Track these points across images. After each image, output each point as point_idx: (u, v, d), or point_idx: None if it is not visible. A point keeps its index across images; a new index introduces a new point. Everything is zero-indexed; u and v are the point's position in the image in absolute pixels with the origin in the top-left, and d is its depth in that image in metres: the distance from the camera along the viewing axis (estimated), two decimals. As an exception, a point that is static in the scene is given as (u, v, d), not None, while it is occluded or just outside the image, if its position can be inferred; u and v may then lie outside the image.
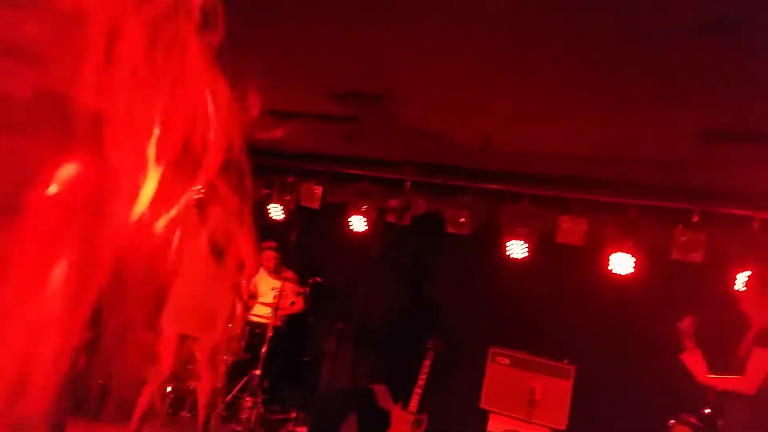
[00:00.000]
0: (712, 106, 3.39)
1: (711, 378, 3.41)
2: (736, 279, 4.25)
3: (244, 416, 4.91)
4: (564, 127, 4.16)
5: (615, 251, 4.71)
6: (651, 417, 4.38)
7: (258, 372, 5.00)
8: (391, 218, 5.50)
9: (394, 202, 5.53)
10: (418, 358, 5.10)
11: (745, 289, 3.54)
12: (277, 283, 5.44)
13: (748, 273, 3.98)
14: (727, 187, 4.33)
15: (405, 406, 4.91)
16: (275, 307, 5.14)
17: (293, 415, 5.34)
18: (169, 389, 4.98)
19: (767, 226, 4.24)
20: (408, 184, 5.54)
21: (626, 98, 3.54)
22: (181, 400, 5.04)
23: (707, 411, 3.85)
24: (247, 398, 5.03)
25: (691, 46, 2.83)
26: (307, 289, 5.55)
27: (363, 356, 5.81)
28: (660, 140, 3.97)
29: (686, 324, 3.52)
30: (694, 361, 3.42)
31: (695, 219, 4.44)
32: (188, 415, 4.90)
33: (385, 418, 4.99)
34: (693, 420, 4.07)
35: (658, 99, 3.46)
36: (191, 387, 4.96)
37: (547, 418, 4.77)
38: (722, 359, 3.43)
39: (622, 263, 4.68)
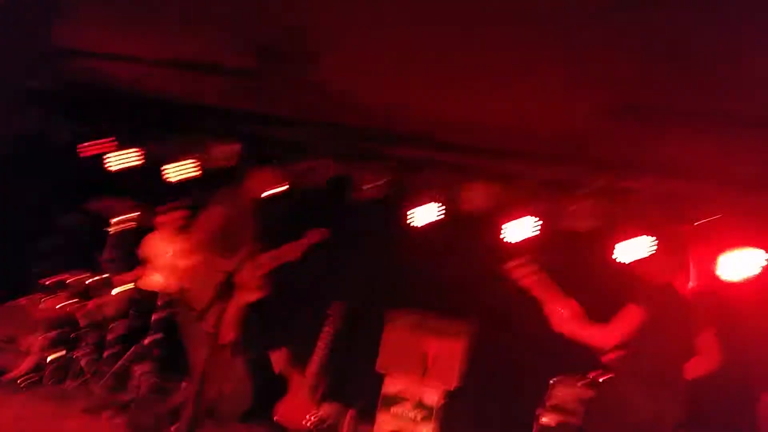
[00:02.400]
0: (612, 82, 3.58)
1: (575, 325, 3.04)
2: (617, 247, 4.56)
3: (134, 384, 4.75)
4: (471, 97, 4.28)
5: (514, 218, 4.94)
6: (541, 377, 4.67)
7: (149, 339, 4.84)
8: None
9: (303, 165, 5.47)
10: (319, 324, 5.13)
11: (647, 253, 3.44)
12: (172, 248, 5.22)
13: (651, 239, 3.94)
14: (621, 159, 4.62)
15: (302, 371, 4.95)
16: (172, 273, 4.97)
17: (184, 383, 5.20)
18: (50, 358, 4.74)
19: (651, 196, 4.57)
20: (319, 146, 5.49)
21: (531, 71, 3.69)
22: (65, 369, 4.82)
23: (591, 375, 4.03)
24: (136, 367, 4.86)
25: (595, 22, 2.97)
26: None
27: (264, 322, 5.74)
28: (558, 114, 4.18)
29: (516, 263, 3.16)
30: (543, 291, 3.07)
31: (589, 189, 4.73)
32: (73, 385, 4.69)
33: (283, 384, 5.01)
34: (578, 379, 4.35)
35: (561, 73, 3.63)
36: (75, 355, 4.75)
37: (441, 378, 4.95)
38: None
39: (519, 230, 4.91)
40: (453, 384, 4.95)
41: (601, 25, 2.94)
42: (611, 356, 3.37)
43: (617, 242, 4.62)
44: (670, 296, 3.10)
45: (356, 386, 5.30)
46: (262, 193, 3.68)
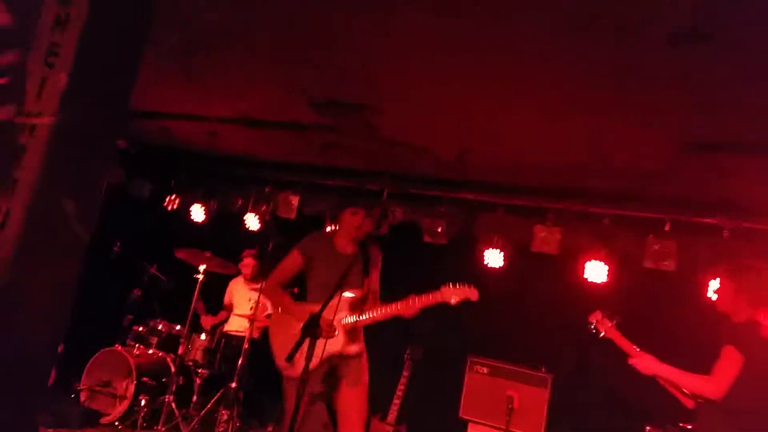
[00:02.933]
0: (684, 118, 3.48)
1: (663, 368, 3.04)
2: (708, 286, 4.34)
3: (220, 430, 4.84)
4: (539, 139, 4.23)
5: (589, 259, 4.79)
6: (627, 425, 4.45)
7: (234, 385, 4.94)
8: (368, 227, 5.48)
9: (371, 211, 5.51)
10: (396, 369, 5.09)
11: (717, 295, 3.39)
12: (255, 294, 5.41)
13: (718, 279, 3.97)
14: (697, 196, 4.44)
15: (383, 418, 4.89)
16: (252, 319, 5.09)
17: (270, 429, 5.28)
18: (143, 402, 4.90)
19: (735, 234, 4.35)
20: (385, 193, 5.55)
21: (599, 109, 3.62)
22: (157, 413, 4.96)
23: (688, 426, 3.79)
24: (223, 411, 4.96)
25: (662, 56, 2.90)
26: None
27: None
28: (632, 151, 4.06)
29: (596, 317, 3.35)
30: (640, 362, 3.12)
31: (667, 228, 4.54)
32: (163, 429, 4.81)
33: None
34: (670, 428, 4.10)
35: (631, 111, 3.55)
36: (166, 400, 4.88)
37: (525, 427, 4.80)
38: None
39: (595, 271, 4.76)
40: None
41: (675, 55, 2.86)
42: (697, 402, 3.17)
43: (703, 281, 4.39)
44: (756, 334, 2.95)
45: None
46: (356, 236, 3.48)
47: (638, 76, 3.14)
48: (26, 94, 1.73)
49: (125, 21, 1.85)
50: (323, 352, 3.18)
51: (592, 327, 3.37)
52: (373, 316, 3.29)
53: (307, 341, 3.07)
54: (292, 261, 3.52)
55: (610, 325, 3.31)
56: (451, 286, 3.22)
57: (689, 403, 3.16)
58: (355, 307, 3.35)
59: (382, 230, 4.75)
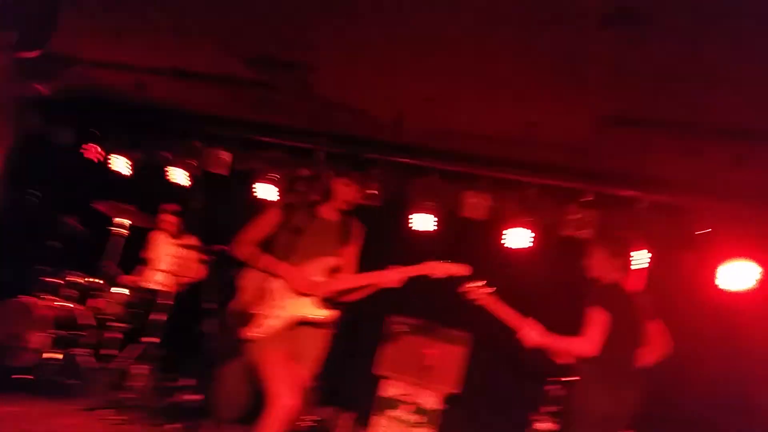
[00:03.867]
0: (609, 94, 3.63)
1: (548, 339, 3.33)
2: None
3: (136, 384, 4.77)
4: (472, 108, 4.31)
5: (513, 226, 4.97)
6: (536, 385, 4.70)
7: (151, 340, 4.85)
8: (300, 187, 5.46)
9: (304, 172, 5.50)
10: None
11: (590, 262, 3.52)
12: (176, 249, 5.28)
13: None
14: (618, 169, 4.66)
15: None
16: (175, 274, 5.00)
17: (188, 383, 5.23)
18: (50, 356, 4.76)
19: (652, 207, 4.61)
20: (321, 154, 5.52)
21: (529, 83, 3.73)
22: (65, 367, 4.84)
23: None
24: (139, 366, 4.88)
25: (592, 36, 3.01)
26: (212, 257, 5.40)
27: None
28: (560, 124, 4.21)
29: (470, 287, 3.50)
30: (526, 334, 3.35)
31: (590, 198, 4.77)
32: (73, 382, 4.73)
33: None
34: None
35: (560, 85, 3.67)
36: (74, 354, 4.78)
37: (440, 382, 4.99)
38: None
39: (519, 237, 4.95)
40: (451, 389, 4.98)
41: (605, 37, 2.97)
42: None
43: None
44: (619, 295, 3.36)
45: (353, 389, 5.32)
46: (345, 207, 3.37)
47: (566, 53, 3.25)
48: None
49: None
50: (290, 314, 3.16)
51: (468, 295, 3.53)
52: (348, 283, 3.25)
53: (273, 300, 3.12)
54: (269, 220, 3.33)
55: (481, 292, 3.51)
56: (437, 261, 3.18)
57: (569, 360, 3.48)
58: (332, 274, 3.28)
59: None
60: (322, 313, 3.22)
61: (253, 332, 3.16)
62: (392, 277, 3.14)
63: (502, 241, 5.00)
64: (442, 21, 3.23)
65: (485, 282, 3.52)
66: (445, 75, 3.92)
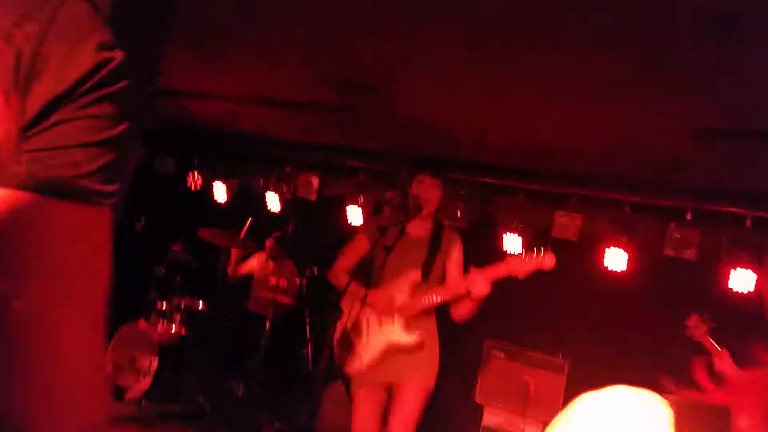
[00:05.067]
0: (707, 104, 3.42)
1: (743, 373, 3.17)
2: (729, 276, 4.28)
3: (240, 403, 4.95)
4: (561, 123, 4.19)
5: (609, 246, 4.75)
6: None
7: (254, 362, 5.05)
8: (387, 210, 5.51)
9: (390, 194, 5.55)
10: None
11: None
12: (274, 273, 5.48)
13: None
14: (720, 185, 4.37)
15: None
16: (274, 298, 5.18)
17: (291, 404, 5.38)
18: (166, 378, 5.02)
19: (757, 223, 4.28)
20: (404, 175, 5.54)
21: (623, 95, 3.57)
22: (178, 388, 5.08)
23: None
24: (241, 387, 5.08)
25: (687, 43, 2.85)
26: (305, 280, 5.56)
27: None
28: (655, 138, 4.01)
29: (693, 321, 3.40)
30: (725, 366, 3.22)
31: (689, 216, 4.49)
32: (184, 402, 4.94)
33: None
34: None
35: (655, 96, 3.49)
36: (186, 376, 5.00)
37: (541, 412, 4.81)
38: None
39: (615, 259, 4.72)
40: (554, 418, 4.79)
41: (700, 44, 2.81)
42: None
43: (724, 270, 4.32)
44: None
45: (454, 416, 5.24)
46: (432, 209, 3.18)
47: (661, 62, 3.09)
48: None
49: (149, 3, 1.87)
50: (381, 343, 3.01)
51: (689, 331, 3.42)
52: (431, 299, 3.03)
53: (367, 330, 3.04)
54: (357, 246, 3.27)
55: (703, 327, 3.38)
56: (518, 256, 2.96)
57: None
58: (419, 291, 3.08)
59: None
60: (409, 338, 3.02)
61: (349, 367, 3.09)
62: (477, 281, 2.90)
63: (602, 263, 4.78)
64: (523, 36, 3.17)
65: (708, 316, 3.40)
66: (528, 92, 3.85)
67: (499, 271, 2.93)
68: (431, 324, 3.13)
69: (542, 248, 2.93)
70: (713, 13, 2.57)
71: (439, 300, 3.03)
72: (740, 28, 2.63)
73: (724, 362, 3.23)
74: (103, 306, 0.62)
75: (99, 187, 0.60)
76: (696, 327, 3.39)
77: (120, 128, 0.62)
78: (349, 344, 3.11)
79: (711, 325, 3.37)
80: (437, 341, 3.13)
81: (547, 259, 2.90)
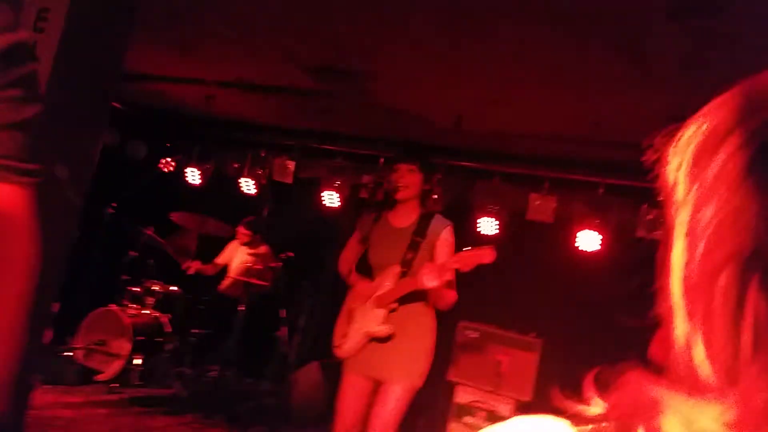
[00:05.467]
0: (681, 89, 3.46)
1: None
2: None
3: (215, 387, 4.95)
4: (535, 107, 4.22)
5: (582, 228, 4.82)
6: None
7: (229, 344, 5.03)
8: (363, 194, 5.51)
9: (367, 178, 5.55)
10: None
11: None
12: (250, 257, 5.46)
13: None
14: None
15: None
16: (248, 281, 5.16)
17: (265, 387, 5.40)
18: (139, 361, 4.99)
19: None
20: (381, 160, 5.55)
21: (596, 79, 3.60)
22: (150, 372, 5.06)
23: None
24: (217, 370, 5.07)
25: (660, 29, 2.88)
26: (280, 264, 5.56)
27: (332, 331, 5.87)
28: (629, 121, 4.05)
29: None
30: None
31: (662, 198, 4.56)
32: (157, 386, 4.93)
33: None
34: None
35: (627, 81, 3.52)
36: (159, 359, 4.98)
37: (513, 390, 4.89)
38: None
39: (588, 240, 4.79)
40: (526, 396, 4.88)
41: (672, 30, 2.84)
42: None
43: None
44: None
45: (427, 394, 5.30)
46: (414, 196, 3.11)
47: (634, 48, 3.12)
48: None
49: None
50: (359, 332, 3.01)
51: None
52: (391, 289, 2.98)
53: (348, 321, 3.04)
54: (352, 242, 3.24)
55: None
56: (464, 250, 2.89)
57: None
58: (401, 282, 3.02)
59: (377, 197, 4.63)
60: (380, 328, 2.98)
61: (337, 351, 3.10)
62: (427, 275, 2.82)
63: (575, 244, 4.85)
64: (498, 21, 3.17)
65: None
66: (504, 76, 3.86)
67: (446, 266, 2.89)
68: (425, 317, 3.06)
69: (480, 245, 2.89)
70: (686, 2, 2.60)
71: (394, 291, 2.98)
72: (712, 17, 2.66)
73: None
74: (24, 290, 0.60)
75: (17, 165, 0.60)
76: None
77: (33, 110, 0.62)
78: (341, 333, 3.12)
79: None
80: (431, 336, 3.07)
81: (486, 253, 2.83)
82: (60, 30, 1.66)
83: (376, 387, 3.01)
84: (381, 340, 3.00)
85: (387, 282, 3.01)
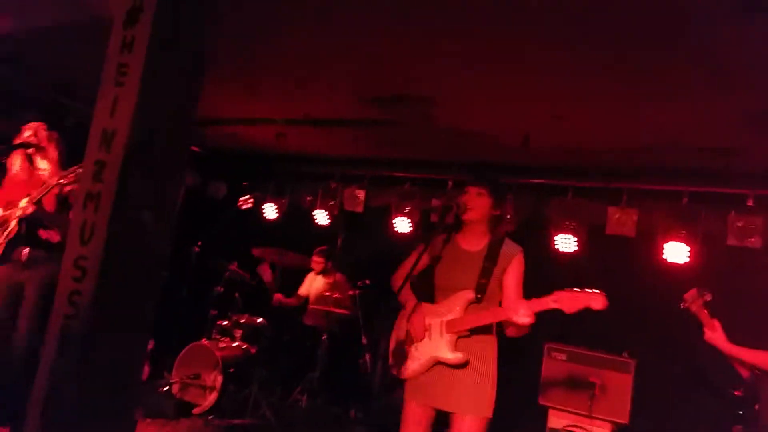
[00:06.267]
0: (759, 88, 3.28)
1: (738, 349, 3.27)
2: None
3: (304, 416, 5.03)
4: (606, 120, 4.10)
5: (669, 240, 4.61)
6: (714, 407, 4.27)
7: (315, 373, 5.12)
8: (433, 218, 5.52)
9: (436, 202, 5.56)
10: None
11: None
12: (327, 286, 5.59)
13: None
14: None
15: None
16: (327, 311, 5.25)
17: (351, 414, 5.43)
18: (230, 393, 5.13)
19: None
20: (450, 183, 5.55)
21: (668, 84, 3.46)
22: (243, 403, 5.19)
23: (737, 393, 3.78)
24: (305, 399, 5.15)
25: (734, 27, 2.75)
26: (357, 291, 5.63)
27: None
28: (707, 125, 3.87)
29: (691, 295, 3.41)
30: (715, 336, 3.31)
31: (750, 203, 4.31)
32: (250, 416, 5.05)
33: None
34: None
35: (702, 83, 3.37)
36: (251, 390, 5.11)
37: (609, 413, 4.70)
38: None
39: (676, 252, 4.57)
40: (623, 418, 4.66)
41: (742, 31, 2.70)
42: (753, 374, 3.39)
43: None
44: None
45: (519, 419, 5.16)
46: (485, 221, 3.04)
47: (706, 48, 2.99)
48: (101, 113, 1.86)
49: (187, 38, 1.95)
50: (426, 355, 2.94)
51: (684, 304, 3.44)
52: (470, 320, 2.90)
53: (410, 341, 2.98)
54: (415, 256, 3.13)
55: (699, 300, 3.37)
56: (567, 291, 2.74)
57: (745, 373, 3.38)
58: (472, 310, 2.95)
59: (448, 221, 4.60)
60: (453, 355, 2.89)
61: (401, 374, 3.03)
62: (521, 313, 2.75)
63: (663, 257, 4.63)
64: (562, 37, 3.12)
65: (706, 290, 3.41)
66: (570, 91, 3.78)
67: (544, 305, 2.77)
68: (489, 345, 2.98)
69: (594, 289, 2.72)
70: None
71: (471, 321, 2.90)
72: None
73: (714, 333, 3.30)
74: None
75: None
76: (693, 300, 3.39)
77: None
78: (402, 352, 3.07)
79: (707, 298, 3.37)
80: (494, 364, 2.98)
81: (596, 299, 2.69)
82: (138, 83, 1.78)
83: (449, 423, 2.92)
84: (450, 366, 2.93)
85: (457, 307, 2.95)
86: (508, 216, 5.20)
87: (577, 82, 3.58)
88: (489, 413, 2.90)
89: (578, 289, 2.71)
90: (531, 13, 2.90)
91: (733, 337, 3.29)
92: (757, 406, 3.53)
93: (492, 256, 2.97)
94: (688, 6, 2.69)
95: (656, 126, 3.99)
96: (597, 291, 2.70)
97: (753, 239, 4.22)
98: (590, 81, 3.54)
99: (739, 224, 4.20)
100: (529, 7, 2.85)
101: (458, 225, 3.09)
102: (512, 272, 2.97)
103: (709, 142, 4.07)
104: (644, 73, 3.33)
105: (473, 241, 3.06)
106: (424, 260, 3.14)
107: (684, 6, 2.69)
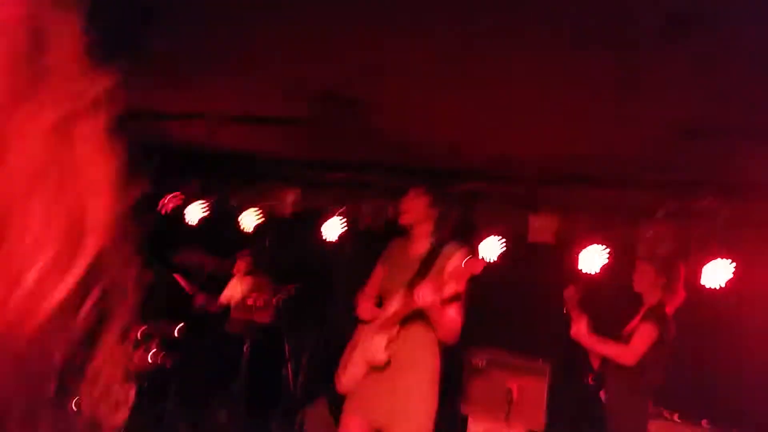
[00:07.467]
0: (682, 103, 3.45)
1: (594, 337, 3.64)
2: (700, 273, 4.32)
3: (222, 422, 4.86)
4: (533, 132, 4.21)
5: (585, 247, 4.78)
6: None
7: (236, 385, 4.97)
8: (366, 221, 5.49)
9: (367, 207, 5.53)
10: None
11: (637, 278, 3.80)
12: (249, 293, 5.42)
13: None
14: (690, 179, 4.43)
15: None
16: (251, 318, 5.11)
17: (272, 428, 5.30)
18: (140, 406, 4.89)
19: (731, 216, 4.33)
20: (381, 187, 5.54)
21: (593, 98, 3.60)
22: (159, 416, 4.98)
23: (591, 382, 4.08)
24: (225, 413, 4.98)
25: (657, 42, 2.88)
26: (281, 296, 5.50)
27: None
28: (629, 138, 4.05)
29: (570, 292, 3.78)
30: (578, 330, 3.65)
31: (661, 213, 4.53)
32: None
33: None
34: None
35: (627, 97, 3.52)
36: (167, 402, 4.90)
37: (525, 419, 4.77)
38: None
39: (592, 260, 4.75)
40: (538, 425, 4.75)
41: (667, 44, 2.85)
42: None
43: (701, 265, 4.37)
44: (664, 315, 3.65)
45: (438, 424, 5.21)
46: (412, 218, 3.16)
47: (631, 63, 3.13)
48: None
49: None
50: (360, 362, 2.97)
51: (565, 302, 3.84)
52: (387, 316, 2.97)
53: (351, 351, 3.01)
54: (375, 272, 3.24)
55: (575, 301, 3.77)
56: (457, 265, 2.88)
57: (596, 363, 3.86)
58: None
59: (377, 225, 4.62)
60: (381, 356, 2.91)
61: (336, 384, 3.04)
62: (419, 295, 2.79)
63: (579, 266, 4.80)
64: (493, 48, 3.18)
65: (581, 287, 3.85)
66: (501, 101, 3.86)
67: (440, 281, 2.86)
68: (427, 351, 3.01)
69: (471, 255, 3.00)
70: (680, 12, 2.61)
71: (389, 317, 2.94)
72: (708, 26, 2.66)
73: (579, 327, 3.64)
74: None
75: None
76: (569, 298, 3.77)
77: None
78: (343, 362, 3.06)
79: (579, 296, 3.76)
80: (433, 372, 3.01)
81: (475, 264, 2.85)
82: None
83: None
84: (381, 370, 2.91)
85: (391, 308, 2.97)
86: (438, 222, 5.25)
87: (510, 90, 3.66)
88: (429, 424, 2.95)
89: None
90: (473, 20, 2.94)
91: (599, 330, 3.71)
92: (602, 394, 3.91)
93: (432, 256, 3.02)
94: (612, 22, 2.81)
95: (579, 136, 4.14)
96: (478, 258, 3.04)
97: (663, 247, 4.43)
98: (518, 93, 3.63)
99: (651, 234, 4.42)
100: (471, 19, 2.90)
101: (396, 230, 3.13)
102: (455, 275, 2.99)
103: (628, 153, 4.26)
104: (569, 85, 3.46)
105: (418, 245, 3.11)
106: (379, 272, 3.14)
107: (609, 22, 2.81)
